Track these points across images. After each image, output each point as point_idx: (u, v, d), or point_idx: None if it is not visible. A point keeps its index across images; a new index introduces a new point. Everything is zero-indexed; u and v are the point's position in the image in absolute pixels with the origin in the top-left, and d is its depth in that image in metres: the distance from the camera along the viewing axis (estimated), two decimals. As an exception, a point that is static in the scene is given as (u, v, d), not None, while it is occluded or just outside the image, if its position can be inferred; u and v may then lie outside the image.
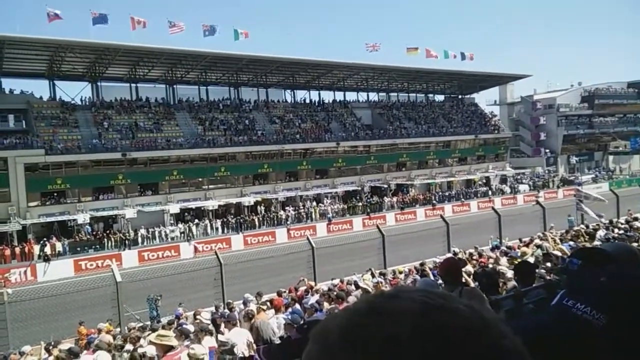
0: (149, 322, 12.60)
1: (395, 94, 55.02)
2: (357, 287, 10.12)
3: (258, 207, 36.61)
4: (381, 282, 10.94)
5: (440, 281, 6.25)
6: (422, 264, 13.39)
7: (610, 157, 63.02)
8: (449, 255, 15.32)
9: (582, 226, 19.48)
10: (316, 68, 44.13)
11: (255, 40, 75.63)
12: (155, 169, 34.93)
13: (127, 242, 29.87)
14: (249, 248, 29.70)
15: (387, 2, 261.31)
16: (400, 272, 13.30)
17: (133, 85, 39.74)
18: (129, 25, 34.18)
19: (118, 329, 11.72)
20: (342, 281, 12.27)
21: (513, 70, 59.61)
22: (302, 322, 6.01)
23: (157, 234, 31.41)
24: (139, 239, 30.65)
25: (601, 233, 14.48)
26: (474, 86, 57.66)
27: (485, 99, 64.10)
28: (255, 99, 44.81)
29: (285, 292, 11.51)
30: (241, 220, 34.30)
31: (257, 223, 34.75)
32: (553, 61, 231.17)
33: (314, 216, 36.46)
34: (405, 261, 17.50)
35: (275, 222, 35.26)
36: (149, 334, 8.86)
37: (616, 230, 14.93)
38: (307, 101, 48.78)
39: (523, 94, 63.90)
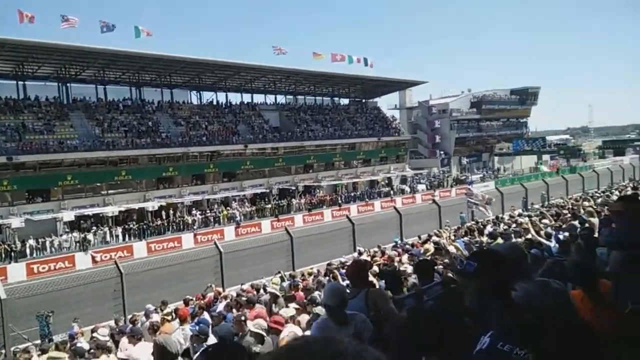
0: (39, 341, 11.70)
1: (303, 97, 55.84)
2: (266, 291, 10.25)
3: (163, 212, 35.23)
4: (291, 285, 11.11)
5: (347, 282, 6.55)
6: (329, 265, 13.82)
7: (496, 158, 69.09)
8: (355, 254, 16.02)
9: (473, 222, 21.34)
10: (223, 69, 43.44)
11: (160, 40, 72.57)
12: (46, 174, 32.12)
13: (13, 254, 27.22)
14: (153, 255, 28.46)
15: (294, 7, 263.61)
16: (310, 274, 13.60)
17: (20, 82, 36.22)
18: (17, 18, 31.18)
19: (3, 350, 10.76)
20: (251, 286, 12.31)
21: (412, 76, 63.28)
22: (209, 331, 6.04)
23: (48, 244, 29.00)
24: (27, 251, 28.08)
25: (489, 228, 15.97)
26: (376, 91, 60.39)
27: (387, 103, 67.47)
28: (159, 100, 43.02)
29: (192, 299, 11.31)
30: (144, 226, 32.78)
31: (162, 229, 33.44)
32: (447, 69, 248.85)
33: (222, 220, 35.89)
34: (314, 262, 17.95)
35: (182, 227, 34.21)
36: (39, 355, 8.28)
37: (502, 226, 16.52)
38: (214, 103, 47.86)
39: (420, 99, 68.18)
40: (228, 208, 37.74)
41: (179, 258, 21.60)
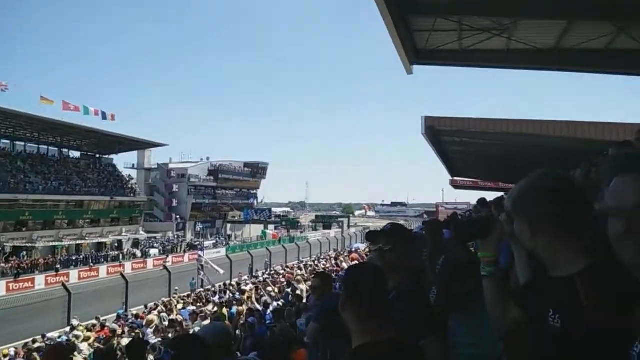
0: None
1: (23, 143, 48.61)
2: None
3: None
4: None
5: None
6: (29, 344, 12.30)
7: (229, 225, 72.91)
8: (67, 329, 14.76)
9: (202, 289, 22.21)
10: None
11: None
12: None
13: None
14: None
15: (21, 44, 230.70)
16: (5, 356, 11.90)
17: None
18: None
19: None
20: None
21: (153, 137, 62.90)
22: None
23: None
24: None
25: (216, 299, 16.98)
26: (113, 147, 57.24)
27: (124, 162, 64.58)
28: None
29: None
30: None
31: None
32: (189, 135, 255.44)
33: None
34: (16, 339, 15.79)
35: None
36: None
37: (228, 294, 17.74)
38: None
39: (160, 162, 67.95)
40: None
41: None
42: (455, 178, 43.76)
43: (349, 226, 69.20)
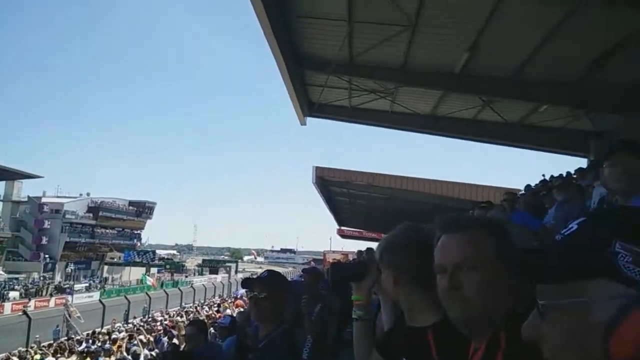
0: None
1: None
2: None
3: None
4: None
5: None
6: None
7: (106, 267, 67.49)
8: None
9: (66, 338, 20.22)
10: None
11: None
12: None
13: None
14: None
15: None
16: None
17: None
18: None
19: None
20: None
21: (24, 167, 57.22)
22: None
23: None
24: None
25: (81, 348, 15.52)
26: (-25, 175, 51.15)
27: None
28: None
29: None
30: None
31: None
32: (66, 168, 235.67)
33: None
34: None
35: None
36: None
37: (97, 343, 16.31)
38: None
39: (31, 194, 61.65)
40: None
41: None
42: (343, 227, 45.67)
43: (236, 271, 67.77)
